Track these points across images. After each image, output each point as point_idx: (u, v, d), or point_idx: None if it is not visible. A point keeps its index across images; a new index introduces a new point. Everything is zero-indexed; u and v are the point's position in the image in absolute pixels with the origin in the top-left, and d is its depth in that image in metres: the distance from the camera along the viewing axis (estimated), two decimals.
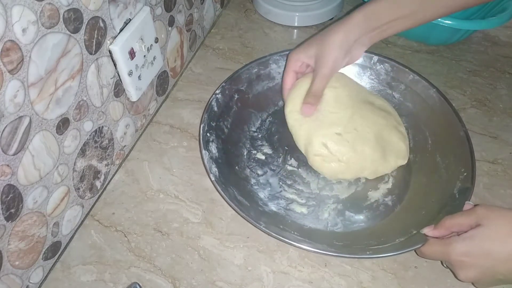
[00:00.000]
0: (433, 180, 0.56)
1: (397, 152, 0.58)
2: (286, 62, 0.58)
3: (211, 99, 0.61)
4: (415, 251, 0.49)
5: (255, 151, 0.63)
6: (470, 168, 0.53)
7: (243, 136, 0.64)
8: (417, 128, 0.62)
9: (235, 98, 0.64)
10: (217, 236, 0.55)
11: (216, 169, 0.55)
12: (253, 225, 0.50)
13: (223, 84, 0.63)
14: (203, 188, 0.60)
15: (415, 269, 0.52)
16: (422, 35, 0.75)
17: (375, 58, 0.65)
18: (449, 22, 0.67)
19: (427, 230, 0.48)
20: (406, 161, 0.59)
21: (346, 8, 0.84)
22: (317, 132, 0.56)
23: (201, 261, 0.53)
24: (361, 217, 0.55)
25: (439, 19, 0.67)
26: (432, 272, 0.51)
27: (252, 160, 0.62)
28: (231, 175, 0.57)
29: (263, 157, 0.62)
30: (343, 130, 0.56)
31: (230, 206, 0.51)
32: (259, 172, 0.60)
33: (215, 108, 0.61)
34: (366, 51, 0.63)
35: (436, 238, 0.47)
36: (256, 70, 0.65)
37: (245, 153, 0.62)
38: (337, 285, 0.51)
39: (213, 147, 0.58)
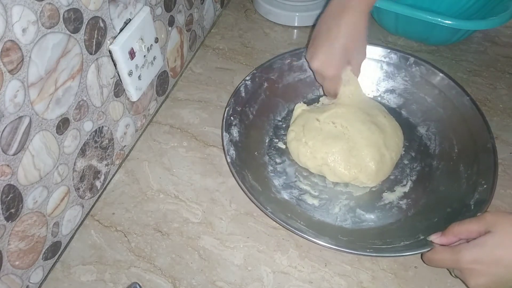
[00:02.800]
0: (452, 188, 0.56)
1: (363, 168, 0.56)
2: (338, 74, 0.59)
3: (240, 84, 0.62)
4: (422, 260, 0.49)
5: (277, 140, 0.63)
6: (491, 181, 0.52)
7: (267, 123, 0.65)
8: (445, 135, 0.61)
9: (264, 86, 0.64)
10: (217, 236, 0.55)
11: (234, 152, 0.56)
12: (260, 209, 0.51)
13: (254, 71, 0.64)
14: (203, 188, 0.60)
15: (415, 269, 0.52)
16: (422, 35, 0.75)
17: (412, 59, 0.64)
18: (449, 22, 0.66)
19: (434, 237, 0.47)
20: (372, 184, 0.57)
21: None
22: (304, 115, 0.62)
23: (201, 261, 0.53)
24: (371, 216, 0.55)
25: (439, 19, 0.67)
26: (432, 272, 0.51)
27: (272, 148, 0.62)
28: (248, 160, 0.58)
29: (283, 147, 0.62)
30: (322, 119, 0.59)
31: (241, 188, 0.52)
32: (278, 160, 0.61)
33: (243, 94, 0.62)
34: (402, 52, 0.66)
35: (444, 245, 0.47)
36: (289, 60, 0.66)
37: (267, 141, 0.63)
38: (337, 285, 0.51)
39: (234, 131, 0.59)
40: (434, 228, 0.49)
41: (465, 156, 0.57)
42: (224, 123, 0.58)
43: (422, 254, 0.49)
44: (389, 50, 0.66)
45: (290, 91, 0.67)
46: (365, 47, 0.59)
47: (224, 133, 0.57)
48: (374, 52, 0.66)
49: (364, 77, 0.66)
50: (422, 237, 0.49)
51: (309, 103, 0.65)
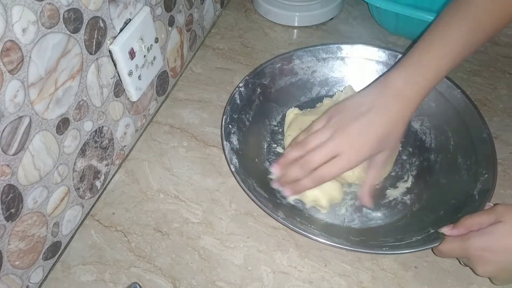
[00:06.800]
0: (453, 180, 0.56)
1: (365, 166, 0.55)
2: None
3: (234, 91, 0.62)
4: (432, 250, 0.50)
5: (275, 145, 0.63)
6: (492, 170, 0.52)
7: (264, 129, 0.64)
8: (440, 128, 0.61)
9: (258, 92, 0.64)
10: (217, 236, 0.55)
11: (236, 160, 0.56)
12: (271, 216, 0.51)
13: (247, 77, 0.63)
14: (203, 188, 0.60)
15: (415, 269, 0.52)
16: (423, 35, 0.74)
17: (400, 56, 0.64)
18: None
19: (445, 229, 0.48)
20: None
21: (346, 8, 0.84)
22: (298, 119, 0.61)
23: (201, 261, 0.53)
24: (378, 214, 0.56)
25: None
26: (432, 272, 0.51)
27: (272, 154, 0.62)
28: (250, 167, 0.58)
29: (282, 151, 0.62)
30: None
31: (249, 197, 0.52)
32: None
33: (238, 101, 0.62)
34: (392, 49, 0.66)
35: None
36: (279, 65, 0.66)
37: (265, 146, 0.63)
38: (337, 285, 0.51)
39: (234, 139, 0.59)
40: (442, 221, 0.50)
41: (462, 148, 0.58)
42: (223, 131, 0.58)
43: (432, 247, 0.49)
44: (377, 49, 0.66)
45: (283, 95, 0.67)
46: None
47: (225, 142, 0.57)
48: (363, 51, 0.66)
49: (354, 76, 0.67)
50: (432, 231, 0.50)
51: (301, 106, 0.65)
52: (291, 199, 0.56)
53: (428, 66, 0.47)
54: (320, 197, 0.54)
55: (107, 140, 0.57)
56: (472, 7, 0.47)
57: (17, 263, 0.46)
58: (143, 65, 0.57)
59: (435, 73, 0.47)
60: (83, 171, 0.53)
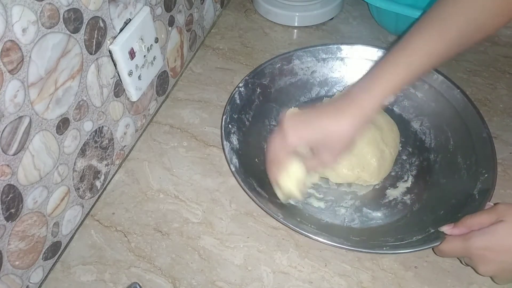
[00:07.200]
0: (453, 180, 0.56)
1: (365, 166, 0.56)
2: None
3: (234, 91, 0.62)
4: (433, 249, 0.50)
5: None
6: (491, 169, 0.53)
7: (263, 129, 0.64)
8: (440, 128, 0.62)
9: (258, 92, 0.64)
10: (217, 236, 0.55)
11: (236, 160, 0.56)
12: (271, 216, 0.51)
13: (246, 77, 0.64)
14: (203, 188, 0.60)
15: (415, 269, 0.52)
16: None
17: None
18: None
19: (446, 228, 0.48)
20: (375, 181, 0.58)
21: (346, 8, 0.84)
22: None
23: (201, 261, 0.53)
24: (378, 214, 0.56)
25: None
26: (432, 272, 0.51)
27: None
28: (250, 167, 0.58)
29: None
30: None
31: (250, 196, 0.52)
32: None
33: (238, 101, 0.62)
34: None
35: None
36: (279, 65, 0.66)
37: (265, 146, 0.63)
38: (337, 285, 0.51)
39: (234, 139, 0.59)
40: (442, 221, 0.50)
41: (461, 148, 0.58)
42: (223, 131, 0.58)
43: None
44: (377, 49, 0.66)
45: (283, 95, 0.67)
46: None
47: (225, 142, 0.57)
48: (363, 52, 0.66)
49: (354, 77, 0.66)
50: (432, 231, 0.50)
51: (301, 107, 0.65)
52: (285, 202, 0.56)
53: (384, 83, 0.47)
54: (289, 185, 0.52)
55: (107, 140, 0.57)
56: (441, 20, 0.47)
57: (17, 263, 0.46)
58: (143, 65, 0.57)
59: (390, 87, 0.47)
60: (83, 171, 0.53)
